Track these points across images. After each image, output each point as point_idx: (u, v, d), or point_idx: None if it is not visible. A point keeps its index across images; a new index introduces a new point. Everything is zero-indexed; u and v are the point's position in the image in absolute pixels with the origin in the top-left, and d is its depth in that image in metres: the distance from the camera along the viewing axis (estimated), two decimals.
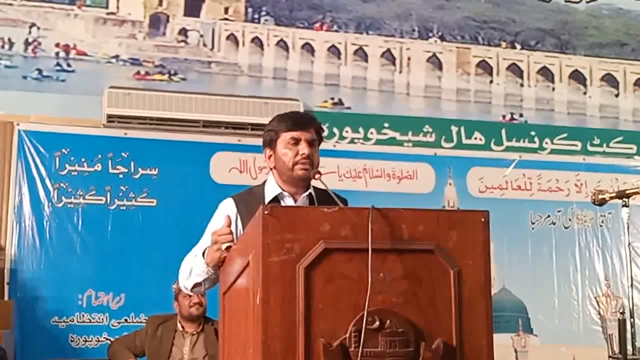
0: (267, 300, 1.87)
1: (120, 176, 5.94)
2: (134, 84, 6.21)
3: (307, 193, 2.55)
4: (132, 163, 5.97)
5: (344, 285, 1.93)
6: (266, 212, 1.92)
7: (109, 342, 5.42)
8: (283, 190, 2.56)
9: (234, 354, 2.15)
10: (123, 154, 5.96)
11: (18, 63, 6.12)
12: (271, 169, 2.62)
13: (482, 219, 2.06)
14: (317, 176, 2.49)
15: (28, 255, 5.75)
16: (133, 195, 5.93)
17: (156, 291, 5.37)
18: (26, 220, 5.79)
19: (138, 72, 6.30)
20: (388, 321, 1.91)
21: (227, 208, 2.58)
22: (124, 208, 5.91)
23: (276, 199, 2.55)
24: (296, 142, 2.50)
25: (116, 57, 6.28)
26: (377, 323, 1.90)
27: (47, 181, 5.84)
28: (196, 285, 2.43)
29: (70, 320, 5.71)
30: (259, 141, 5.70)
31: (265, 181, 2.66)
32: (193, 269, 2.41)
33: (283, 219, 1.93)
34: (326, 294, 1.91)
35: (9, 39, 6.13)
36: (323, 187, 2.48)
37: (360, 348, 1.86)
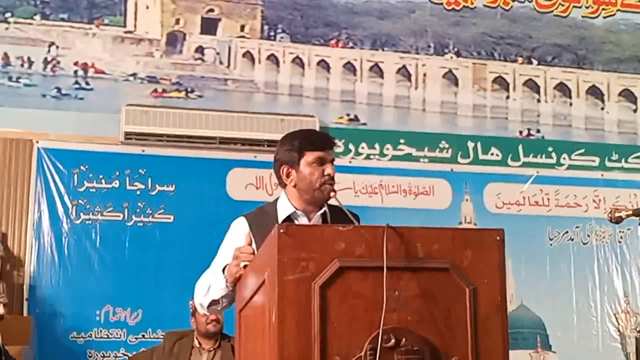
0: (283, 319, 1.87)
1: (138, 193, 5.98)
2: (151, 101, 6.26)
3: (321, 211, 2.55)
4: (149, 180, 6.01)
5: (359, 303, 1.93)
6: (281, 230, 1.93)
7: (126, 357, 5.46)
8: (297, 209, 2.56)
9: None
10: (140, 171, 6.00)
11: (37, 81, 6.19)
12: (284, 187, 2.61)
13: (497, 237, 2.06)
14: (332, 194, 2.50)
15: (47, 271, 5.80)
16: (150, 212, 5.97)
17: (173, 307, 5.39)
18: (45, 236, 5.84)
19: (155, 90, 6.35)
20: (403, 339, 1.91)
21: (240, 227, 2.58)
22: (141, 224, 5.95)
23: (289, 218, 2.55)
24: (322, 162, 2.51)
25: (134, 75, 6.34)
26: (393, 341, 1.90)
27: (66, 198, 5.89)
28: (213, 302, 2.44)
29: (89, 336, 5.74)
30: None
31: (277, 199, 2.65)
32: (212, 285, 2.41)
33: (298, 238, 1.94)
34: (341, 312, 1.92)
35: (29, 58, 6.21)
36: (336, 204, 2.49)
37: None
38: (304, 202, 2.56)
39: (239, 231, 2.54)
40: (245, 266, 2.25)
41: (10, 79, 6.17)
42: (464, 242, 2.03)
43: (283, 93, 6.56)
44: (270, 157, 5.80)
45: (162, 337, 5.15)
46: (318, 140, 2.58)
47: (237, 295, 2.33)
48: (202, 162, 6.08)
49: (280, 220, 2.51)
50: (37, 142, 5.95)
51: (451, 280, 2.00)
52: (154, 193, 6.01)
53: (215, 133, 6.09)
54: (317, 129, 5.85)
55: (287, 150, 2.60)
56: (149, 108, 6.08)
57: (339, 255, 1.94)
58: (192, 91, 6.42)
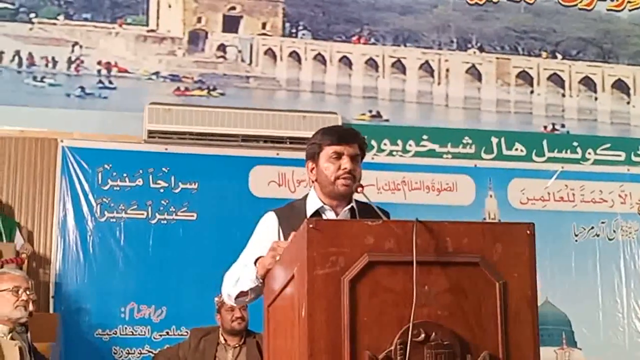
0: (313, 313, 1.87)
1: (161, 191, 6.01)
2: (173, 99, 6.29)
3: (349, 207, 2.55)
4: (172, 178, 6.04)
5: (388, 298, 1.92)
6: (311, 225, 1.92)
7: (151, 354, 5.49)
8: (324, 204, 2.56)
9: None
10: (163, 169, 6.03)
11: (61, 81, 6.24)
12: (313, 182, 2.62)
13: (528, 232, 2.04)
14: (359, 189, 2.49)
15: (72, 269, 5.84)
16: (173, 210, 6.00)
17: (197, 304, 5.42)
18: (70, 234, 5.89)
19: (178, 88, 6.38)
20: (433, 334, 1.90)
21: (270, 221, 2.59)
22: (165, 222, 5.98)
23: (317, 213, 2.55)
24: (338, 156, 2.50)
25: (156, 73, 6.37)
26: (423, 336, 1.89)
27: (90, 196, 5.93)
28: (241, 294, 2.44)
29: (114, 333, 5.78)
30: (297, 155, 5.80)
31: (306, 195, 2.66)
32: (241, 277, 2.42)
33: (327, 232, 1.93)
34: (371, 306, 1.91)
35: (53, 58, 6.26)
36: (365, 200, 2.48)
37: None
38: (327, 197, 2.56)
39: (269, 225, 2.55)
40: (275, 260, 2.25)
41: (35, 78, 6.22)
42: (493, 236, 2.01)
43: (305, 90, 6.56)
44: (292, 155, 5.92)
45: (186, 334, 5.18)
46: (336, 135, 2.57)
47: (266, 289, 2.33)
48: (225, 159, 6.10)
49: (308, 215, 2.51)
50: (62, 141, 6.00)
51: (481, 275, 1.99)
52: (177, 191, 6.04)
53: (237, 131, 6.10)
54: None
55: (310, 145, 2.61)
56: (171, 106, 6.10)
57: (369, 249, 1.94)
58: (215, 89, 6.44)
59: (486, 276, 1.98)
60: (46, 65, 6.24)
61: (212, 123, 6.08)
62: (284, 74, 6.55)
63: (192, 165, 6.06)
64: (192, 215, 6.01)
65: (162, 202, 6.00)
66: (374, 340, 1.89)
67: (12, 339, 3.46)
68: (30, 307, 3.54)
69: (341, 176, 2.49)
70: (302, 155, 5.61)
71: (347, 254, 1.92)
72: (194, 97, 6.38)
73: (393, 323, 1.90)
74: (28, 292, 3.51)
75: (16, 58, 6.21)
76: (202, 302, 5.11)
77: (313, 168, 2.58)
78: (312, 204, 2.58)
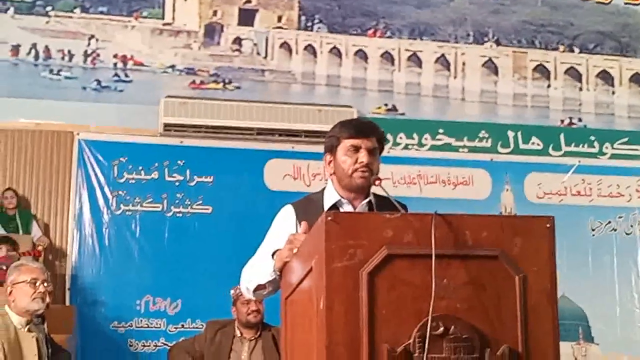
0: (331, 306, 1.86)
1: (176, 184, 6.03)
2: (189, 93, 6.30)
3: (366, 200, 2.53)
4: (187, 171, 6.05)
5: (407, 291, 1.91)
6: (329, 218, 1.91)
7: (166, 347, 5.50)
8: (342, 197, 2.55)
9: (297, 358, 2.15)
10: (179, 162, 6.05)
11: (78, 74, 6.26)
12: (330, 175, 2.61)
13: (547, 225, 2.02)
14: (377, 182, 2.48)
15: (88, 261, 5.88)
16: (189, 203, 6.02)
17: (212, 297, 5.42)
18: (86, 227, 5.92)
19: (193, 82, 6.39)
20: (452, 327, 1.89)
21: (287, 215, 2.58)
22: (180, 215, 5.99)
23: (335, 206, 2.54)
24: (356, 149, 2.49)
25: (172, 66, 6.39)
26: (442, 329, 1.88)
27: (106, 189, 5.96)
28: (259, 287, 2.43)
29: (129, 325, 5.81)
30: (312, 148, 5.81)
31: (324, 188, 2.65)
32: (259, 270, 2.41)
33: (346, 225, 1.92)
34: (389, 299, 1.90)
35: (69, 51, 6.29)
36: (383, 193, 2.46)
37: (425, 354, 1.84)
38: (345, 190, 2.54)
39: (286, 218, 2.53)
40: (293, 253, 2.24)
41: (51, 72, 6.25)
42: (513, 229, 1.99)
43: (320, 83, 6.55)
44: (307, 148, 5.92)
45: (201, 326, 5.19)
46: (354, 128, 2.55)
47: (283, 282, 2.33)
48: (240, 153, 6.11)
49: (325, 208, 2.50)
50: (78, 134, 6.03)
51: (500, 268, 1.97)
52: (192, 184, 6.05)
53: (253, 124, 6.11)
54: None
55: (328, 138, 2.59)
56: (187, 100, 6.12)
57: (387, 242, 1.92)
58: (230, 82, 6.44)
59: (505, 270, 1.96)
60: (62, 59, 6.27)
61: (228, 116, 6.09)
62: (300, 68, 6.55)
63: (208, 158, 6.07)
64: (208, 209, 6.03)
65: (178, 195, 6.02)
66: (392, 333, 1.88)
67: (29, 330, 3.48)
68: (47, 299, 3.55)
69: (359, 169, 2.47)
70: (317, 148, 5.61)
71: (365, 247, 1.91)
72: (210, 90, 6.40)
73: (412, 316, 1.89)
74: (45, 284, 3.52)
75: (33, 51, 6.24)
76: (217, 295, 5.12)
77: (331, 161, 2.56)
78: (330, 197, 2.56)
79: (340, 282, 1.88)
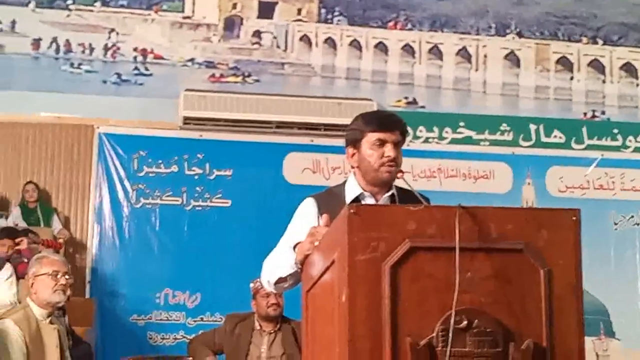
0: (353, 299, 1.84)
1: (196, 177, 6.03)
2: (208, 86, 6.30)
3: (389, 193, 2.51)
4: (207, 164, 6.06)
5: (430, 284, 1.89)
6: (352, 210, 1.89)
7: (185, 340, 5.51)
8: (364, 190, 2.53)
9: (319, 352, 2.13)
10: (198, 155, 6.05)
11: (98, 68, 6.28)
12: (353, 168, 2.59)
13: (573, 218, 1.99)
14: (400, 175, 2.46)
15: (108, 254, 5.90)
16: (208, 196, 6.02)
17: (231, 290, 5.44)
18: (106, 220, 5.95)
19: (213, 75, 6.39)
20: (476, 321, 1.86)
21: (309, 207, 2.56)
22: (200, 209, 6.00)
23: (357, 199, 2.52)
24: (382, 143, 2.47)
25: (192, 60, 6.39)
26: (465, 322, 1.85)
27: (126, 182, 5.98)
28: (280, 280, 2.42)
29: (149, 318, 5.83)
30: (332, 141, 5.78)
31: (345, 181, 2.63)
32: (280, 263, 2.40)
33: (368, 218, 1.90)
34: (412, 292, 1.88)
35: (90, 45, 6.31)
36: (404, 186, 2.44)
37: (448, 348, 1.82)
38: (369, 184, 2.52)
39: (307, 211, 2.52)
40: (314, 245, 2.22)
41: (72, 65, 6.28)
42: (538, 222, 1.96)
43: (340, 76, 6.53)
44: (327, 141, 5.89)
45: (220, 320, 5.19)
46: (379, 121, 2.53)
47: (304, 275, 2.31)
48: (259, 146, 6.10)
49: (347, 201, 2.48)
50: (98, 127, 6.05)
51: (525, 262, 1.94)
52: (211, 177, 6.05)
53: (272, 117, 6.10)
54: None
55: (351, 131, 2.57)
56: (206, 93, 6.12)
57: (410, 235, 1.90)
58: (250, 75, 6.43)
59: (531, 263, 1.93)
60: (83, 52, 6.29)
61: (247, 109, 6.08)
62: (319, 61, 6.53)
63: (227, 151, 6.07)
64: (227, 202, 6.03)
65: (197, 188, 6.02)
66: (415, 326, 1.86)
67: (50, 322, 3.49)
68: (68, 291, 3.56)
69: (385, 163, 2.45)
70: (336, 142, 5.59)
71: (388, 240, 1.89)
72: (229, 83, 6.39)
73: (435, 309, 1.87)
74: (66, 277, 3.53)
75: (53, 45, 6.27)
76: (236, 288, 5.13)
77: (354, 154, 2.54)
78: (352, 190, 2.55)
79: (363, 274, 1.87)
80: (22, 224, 5.77)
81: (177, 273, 5.87)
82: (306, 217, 2.52)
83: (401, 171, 2.47)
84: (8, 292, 4.18)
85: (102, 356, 5.42)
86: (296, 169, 6.13)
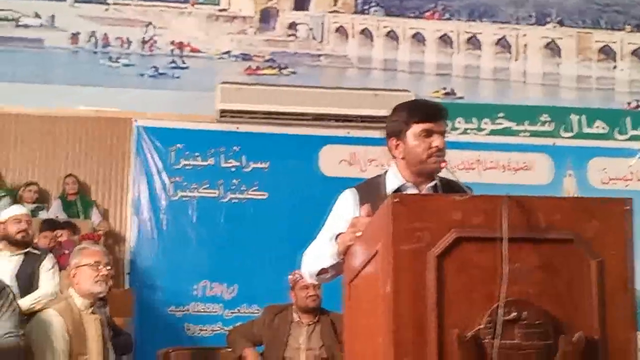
0: (398, 289, 1.81)
1: (232, 170, 6.04)
2: (245, 78, 6.31)
3: (432, 183, 2.48)
4: (243, 157, 6.06)
5: (476, 274, 1.85)
6: (396, 200, 1.86)
7: (223, 331, 5.53)
8: (407, 180, 2.50)
9: (361, 342, 2.10)
10: (235, 148, 6.06)
11: (135, 61, 6.32)
12: (394, 159, 2.55)
13: (626, 207, 1.93)
14: (443, 165, 2.43)
15: (146, 246, 5.94)
16: (244, 189, 6.02)
17: (268, 282, 5.43)
18: (144, 213, 5.98)
19: (249, 67, 6.39)
20: (524, 312, 1.82)
21: (348, 198, 2.54)
22: (236, 201, 6.01)
23: (399, 190, 2.48)
24: (429, 134, 2.43)
25: (228, 52, 6.39)
26: (514, 314, 1.81)
27: (163, 175, 6.00)
28: (322, 271, 2.40)
29: (186, 310, 5.86)
30: (368, 133, 5.74)
31: (385, 172, 2.59)
32: (321, 254, 2.38)
33: (413, 207, 1.87)
34: (458, 283, 1.84)
35: (127, 38, 6.34)
36: (447, 176, 2.41)
37: (496, 339, 1.78)
38: (413, 174, 2.49)
39: (348, 202, 2.49)
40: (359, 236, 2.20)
41: (109, 59, 6.32)
42: (589, 212, 1.91)
43: (377, 68, 6.48)
44: (363, 133, 5.85)
45: (257, 311, 5.20)
46: (425, 111, 2.49)
47: (346, 266, 2.29)
48: (295, 138, 6.08)
49: (388, 192, 2.45)
50: (136, 120, 6.08)
51: (575, 252, 1.89)
52: (248, 170, 6.05)
53: (308, 109, 6.08)
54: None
55: (395, 121, 2.53)
56: (243, 85, 6.11)
57: (456, 225, 1.86)
58: (285, 68, 6.42)
59: (580, 254, 1.88)
60: (120, 46, 6.33)
61: (283, 102, 6.06)
62: (355, 52, 6.49)
63: (263, 144, 6.07)
64: (263, 194, 6.03)
65: (234, 181, 6.03)
66: (461, 318, 1.82)
67: (92, 312, 3.52)
68: (109, 282, 3.59)
69: (433, 154, 2.42)
70: (373, 134, 5.57)
71: (433, 230, 1.85)
72: (265, 76, 6.38)
73: (481, 301, 1.83)
74: (107, 267, 3.55)
75: (92, 39, 6.31)
76: (273, 280, 5.13)
77: (398, 145, 2.50)
78: (393, 181, 2.51)
79: (408, 265, 1.83)
80: (62, 217, 5.84)
81: (215, 265, 5.88)
82: (346, 208, 2.50)
83: (444, 161, 2.43)
84: (51, 283, 4.22)
85: (140, 347, 5.46)
86: (332, 161, 6.10)
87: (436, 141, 2.42)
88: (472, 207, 1.88)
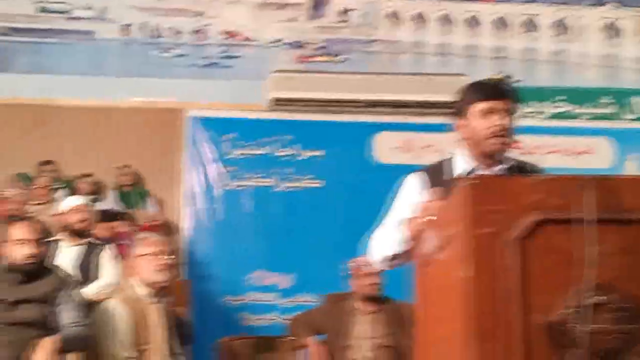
0: (477, 274, 1.76)
1: (286, 158, 6.01)
2: (297, 66, 6.27)
3: (504, 165, 2.40)
4: (297, 145, 6.02)
5: (558, 258, 1.78)
6: (473, 181, 1.81)
7: (280, 321, 5.52)
8: (475, 163, 2.43)
9: (434, 329, 2.06)
10: (288, 136, 6.02)
11: (187, 51, 6.34)
12: (461, 141, 2.49)
13: None
14: (506, 145, 2.36)
15: (201, 236, 5.95)
16: (299, 177, 5.99)
17: (325, 271, 5.38)
18: (198, 203, 5.99)
19: (301, 55, 6.35)
20: (610, 296, 1.75)
21: (415, 183, 2.49)
22: (291, 189, 5.98)
23: (467, 173, 2.42)
24: (491, 112, 2.36)
25: (279, 40, 6.36)
26: (599, 298, 1.74)
27: (217, 165, 6.01)
28: (390, 257, 2.36)
29: (242, 299, 5.86)
30: (423, 119, 5.65)
31: (453, 155, 2.53)
32: (389, 240, 2.34)
33: (491, 189, 1.82)
34: (539, 267, 1.78)
35: (178, 29, 6.36)
36: (515, 159, 2.34)
37: (582, 325, 1.71)
38: (480, 156, 2.42)
39: (414, 186, 2.45)
40: (429, 220, 2.14)
41: (161, 49, 6.35)
42: None
43: (431, 52, 6.38)
44: (418, 120, 5.76)
45: (314, 300, 5.17)
46: (486, 89, 2.42)
47: (417, 251, 2.24)
48: (350, 126, 6.02)
49: (457, 175, 2.39)
50: (188, 111, 6.09)
51: None
52: (302, 158, 6.02)
53: (362, 96, 6.02)
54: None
55: (458, 101, 2.47)
56: (295, 73, 6.08)
57: (535, 207, 1.80)
58: (338, 54, 6.37)
59: None
60: (172, 36, 6.35)
61: (336, 89, 6.02)
62: (409, 37, 6.40)
63: (317, 132, 6.02)
64: (318, 183, 5.99)
65: (288, 169, 6.00)
66: (543, 302, 1.76)
67: (154, 302, 3.53)
68: (171, 271, 3.60)
69: (496, 133, 2.34)
70: (428, 120, 5.47)
71: (512, 212, 1.79)
72: (317, 63, 6.34)
73: (564, 285, 1.76)
74: (169, 256, 3.57)
75: (143, 30, 6.34)
76: (329, 269, 5.08)
77: (461, 126, 2.44)
78: (461, 164, 2.45)
79: (486, 249, 1.78)
80: (119, 207, 5.90)
81: (270, 254, 5.87)
82: (413, 192, 2.46)
83: (515, 141, 2.36)
84: (112, 273, 4.27)
85: (197, 337, 5.48)
86: (387, 148, 6.02)
87: (498, 119, 2.34)
88: (552, 188, 1.81)
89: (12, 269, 3.42)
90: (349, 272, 4.29)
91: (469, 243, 1.78)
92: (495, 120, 2.34)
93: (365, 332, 4.10)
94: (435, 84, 5.89)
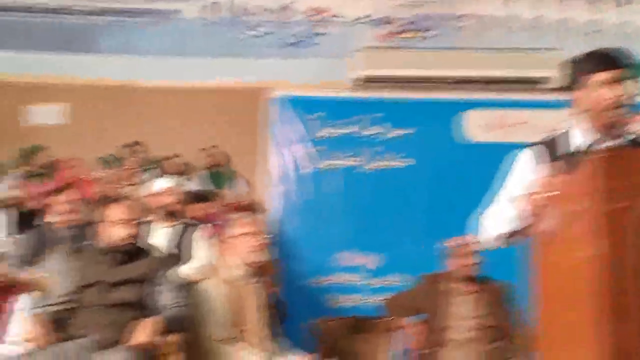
0: (610, 251, 1.65)
1: (375, 137, 5.91)
2: (385, 43, 6.17)
3: (626, 139, 2.26)
4: (386, 124, 5.91)
5: None
6: (602, 154, 1.70)
7: (369, 301, 5.46)
8: (594, 135, 2.30)
9: (557, 308, 1.96)
10: (377, 115, 5.91)
11: (273, 29, 6.30)
12: (578, 114, 2.36)
13: None
14: (627, 116, 2.22)
15: (289, 217, 5.91)
16: (388, 156, 5.88)
17: (415, 251, 5.29)
18: (286, 183, 5.96)
19: (389, 31, 6.23)
20: None
21: (528, 158, 2.38)
22: (380, 168, 5.88)
23: (589, 147, 2.29)
24: (612, 82, 2.22)
25: (367, 17, 6.26)
26: None
27: (305, 145, 5.95)
28: (506, 235, 2.28)
29: (331, 280, 5.81)
30: (515, 96, 5.44)
31: (569, 128, 2.40)
32: (505, 218, 2.26)
33: (621, 162, 1.71)
34: None
35: (265, 7, 6.34)
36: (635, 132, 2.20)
37: None
38: (599, 129, 2.29)
39: (528, 162, 2.35)
40: (549, 197, 2.04)
41: (248, 28, 6.34)
42: None
43: (521, 27, 6.16)
44: (510, 96, 5.57)
45: (403, 280, 5.09)
46: (604, 59, 2.29)
47: (536, 228, 2.13)
48: (439, 103, 5.86)
49: (574, 149, 2.27)
50: (275, 90, 6.06)
51: None
52: (391, 136, 5.90)
53: (451, 72, 5.88)
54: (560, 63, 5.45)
55: (575, 72, 2.34)
56: (384, 50, 5.97)
57: None
58: (427, 30, 6.23)
59: None
60: (257, 14, 6.32)
61: (425, 65, 5.89)
62: (500, 11, 6.20)
63: (406, 110, 5.88)
64: (407, 161, 5.86)
65: (377, 148, 5.90)
66: None
67: (249, 282, 3.53)
68: (265, 251, 3.58)
69: (616, 104, 2.21)
70: (520, 96, 5.26)
71: None
72: (406, 39, 6.21)
73: None
74: (262, 237, 3.55)
75: (231, 9, 6.34)
76: (419, 249, 4.99)
77: (579, 97, 2.31)
78: (579, 138, 2.32)
79: (614, 225, 1.69)
80: (208, 188, 5.93)
81: (359, 234, 5.79)
82: (526, 168, 2.36)
83: (637, 113, 2.22)
84: (207, 253, 4.28)
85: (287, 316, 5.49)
86: (477, 125, 5.85)
87: (619, 90, 2.21)
88: None
89: (111, 249, 3.40)
90: (447, 252, 4.19)
91: (600, 219, 1.68)
92: (619, 90, 2.21)
93: (466, 312, 4.00)
94: (527, 59, 5.69)
